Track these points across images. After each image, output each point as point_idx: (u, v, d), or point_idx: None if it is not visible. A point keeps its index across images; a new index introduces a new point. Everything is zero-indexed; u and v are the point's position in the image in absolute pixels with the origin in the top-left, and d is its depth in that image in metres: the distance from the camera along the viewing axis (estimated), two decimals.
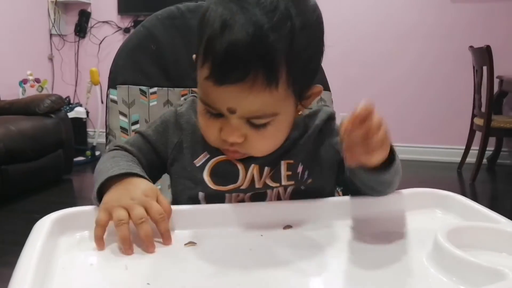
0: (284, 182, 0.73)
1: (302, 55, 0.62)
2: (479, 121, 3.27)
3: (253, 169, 0.72)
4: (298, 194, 0.74)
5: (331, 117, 0.77)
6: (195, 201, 0.73)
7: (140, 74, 1.02)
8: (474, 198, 0.69)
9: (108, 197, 0.62)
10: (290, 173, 0.73)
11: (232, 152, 0.69)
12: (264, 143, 0.67)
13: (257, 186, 0.72)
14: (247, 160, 0.71)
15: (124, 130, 1.01)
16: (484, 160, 3.35)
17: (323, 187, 0.76)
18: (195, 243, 0.60)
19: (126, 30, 4.34)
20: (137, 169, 0.67)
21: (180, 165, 0.76)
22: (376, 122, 0.55)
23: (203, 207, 0.69)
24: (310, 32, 0.62)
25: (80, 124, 3.94)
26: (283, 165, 0.73)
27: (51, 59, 4.49)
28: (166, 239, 0.60)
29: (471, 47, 3.32)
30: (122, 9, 4.33)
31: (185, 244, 0.60)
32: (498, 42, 3.34)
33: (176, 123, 0.77)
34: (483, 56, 3.06)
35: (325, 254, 0.59)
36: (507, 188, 3.29)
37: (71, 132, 3.37)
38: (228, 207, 0.70)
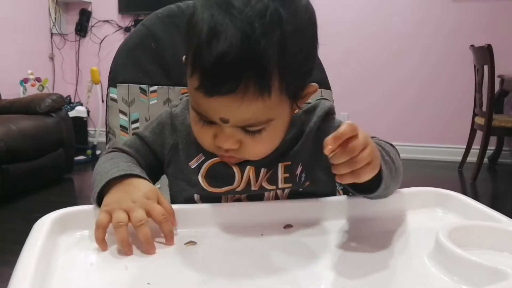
0: (281, 185, 0.72)
1: (295, 59, 0.59)
2: (480, 120, 3.27)
3: (249, 171, 0.71)
4: (296, 195, 0.73)
5: (329, 112, 0.75)
6: (191, 202, 0.73)
7: (140, 73, 1.02)
8: (475, 197, 0.68)
9: (108, 199, 0.62)
10: (287, 175, 0.72)
11: (228, 158, 0.68)
12: (260, 148, 0.66)
13: (253, 188, 0.71)
14: (243, 162, 0.70)
15: (124, 128, 1.01)
16: (485, 160, 3.35)
17: (321, 189, 0.74)
18: (196, 243, 0.60)
19: (127, 29, 4.34)
20: (137, 170, 0.67)
21: (176, 167, 0.75)
22: (360, 141, 0.53)
23: (203, 206, 0.69)
24: (302, 35, 0.60)
25: (80, 123, 3.94)
26: (280, 167, 0.71)
27: (52, 58, 4.50)
28: (169, 240, 0.60)
29: (472, 46, 3.32)
30: (123, 8, 4.33)
31: (186, 244, 0.60)
32: (499, 41, 3.33)
33: (172, 124, 0.76)
34: (484, 55, 3.05)
35: (326, 253, 0.59)
36: (508, 187, 3.29)
37: (72, 131, 3.37)
38: (229, 206, 0.70)
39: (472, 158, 3.41)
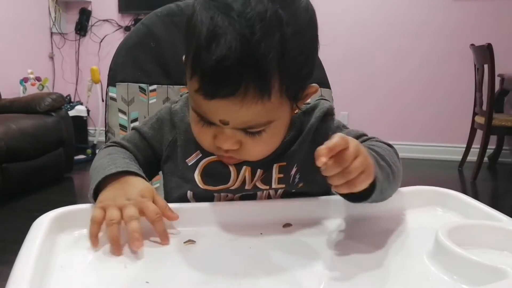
0: (274, 185, 0.72)
1: (295, 61, 0.59)
2: (480, 120, 3.27)
3: (245, 171, 0.71)
4: (288, 196, 0.73)
5: (328, 113, 0.74)
6: (184, 199, 0.73)
7: (139, 72, 1.02)
8: (475, 196, 0.68)
9: (104, 195, 0.62)
10: (281, 175, 0.72)
11: (227, 158, 0.68)
12: (260, 149, 0.65)
13: (246, 187, 0.71)
14: (240, 162, 0.70)
15: (123, 127, 1.01)
16: (485, 159, 3.35)
17: (315, 190, 0.74)
18: (194, 242, 0.60)
19: (127, 29, 4.33)
20: (134, 167, 0.67)
21: (173, 163, 0.75)
22: (351, 151, 0.53)
23: (203, 205, 0.69)
24: (302, 36, 0.59)
25: (80, 123, 3.94)
26: (275, 168, 0.71)
27: (51, 57, 4.49)
28: (163, 239, 0.60)
29: (472, 45, 3.32)
30: (123, 8, 4.32)
31: (185, 243, 0.60)
32: (499, 40, 3.33)
33: (171, 120, 0.76)
34: (484, 54, 3.05)
35: (325, 252, 0.59)
36: (508, 186, 3.29)
37: (72, 130, 3.37)
38: (228, 205, 0.69)
39: (472, 157, 3.41)
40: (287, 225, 0.66)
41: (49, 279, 0.50)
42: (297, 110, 0.70)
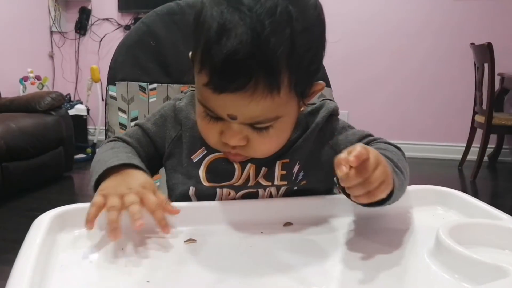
0: (276, 182, 0.72)
1: (304, 57, 0.59)
2: (480, 119, 3.27)
3: (250, 168, 0.71)
4: (291, 195, 0.73)
5: (333, 114, 0.75)
6: (185, 196, 0.73)
7: (139, 70, 1.02)
8: (475, 195, 0.68)
9: (105, 184, 0.62)
10: (284, 172, 0.72)
11: (234, 155, 0.67)
12: (267, 145, 0.65)
13: (249, 184, 0.72)
14: (245, 160, 0.70)
15: (123, 126, 1.01)
16: (485, 158, 3.35)
17: (317, 189, 0.74)
18: (195, 240, 0.60)
19: (127, 27, 4.33)
20: (136, 161, 0.67)
21: (177, 160, 0.75)
22: (372, 161, 0.53)
23: (204, 204, 0.69)
24: (311, 32, 0.60)
25: (80, 122, 3.94)
26: (278, 164, 0.71)
27: (51, 56, 4.49)
28: (163, 227, 0.59)
29: (472, 44, 3.31)
30: (123, 6, 4.32)
31: (185, 241, 0.60)
32: (499, 39, 3.33)
33: (175, 117, 0.76)
34: (484, 53, 3.05)
35: (325, 251, 0.59)
36: (508, 185, 3.29)
37: (72, 129, 3.36)
38: (228, 204, 0.69)
39: (472, 156, 3.41)
40: (287, 224, 0.66)
41: (49, 278, 0.50)
42: (303, 108, 0.70)
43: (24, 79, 3.83)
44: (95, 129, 4.06)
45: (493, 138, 3.40)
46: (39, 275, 0.48)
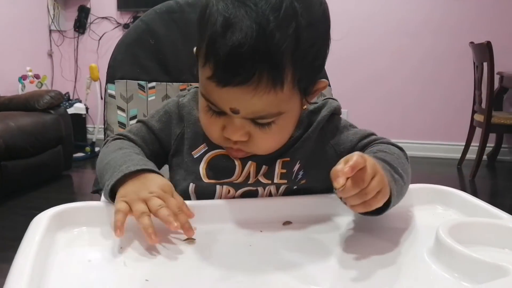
0: (276, 180, 0.72)
1: (308, 52, 0.59)
2: (479, 118, 3.27)
3: (250, 166, 0.71)
4: (290, 195, 0.73)
5: (335, 113, 0.75)
6: (185, 192, 0.73)
7: (138, 69, 1.02)
8: (474, 194, 0.68)
9: (125, 190, 0.62)
10: (284, 171, 0.72)
11: (236, 151, 0.68)
12: (269, 141, 0.65)
13: (249, 182, 0.72)
14: (246, 157, 0.70)
15: (122, 125, 1.01)
16: (484, 157, 3.35)
17: (316, 188, 0.74)
18: (194, 239, 0.60)
19: (126, 26, 4.32)
20: (151, 164, 0.67)
21: (181, 156, 0.75)
22: (369, 171, 0.54)
23: (203, 203, 0.69)
24: (316, 29, 0.60)
25: (79, 120, 3.93)
26: (278, 162, 0.71)
27: (50, 55, 4.48)
28: (187, 230, 0.59)
29: (471, 43, 3.31)
30: (122, 5, 4.31)
31: (184, 240, 0.60)
32: (499, 38, 3.33)
33: (179, 114, 0.76)
34: (484, 52, 3.05)
35: (325, 250, 0.59)
36: (507, 184, 3.29)
37: (71, 128, 3.36)
38: (227, 203, 0.69)
39: (471, 155, 3.41)
40: (287, 222, 0.66)
41: (48, 277, 0.50)
42: (305, 106, 0.70)
43: (23, 77, 3.82)
44: (94, 127, 4.05)
45: (492, 137, 3.41)
46: (38, 273, 0.48)
